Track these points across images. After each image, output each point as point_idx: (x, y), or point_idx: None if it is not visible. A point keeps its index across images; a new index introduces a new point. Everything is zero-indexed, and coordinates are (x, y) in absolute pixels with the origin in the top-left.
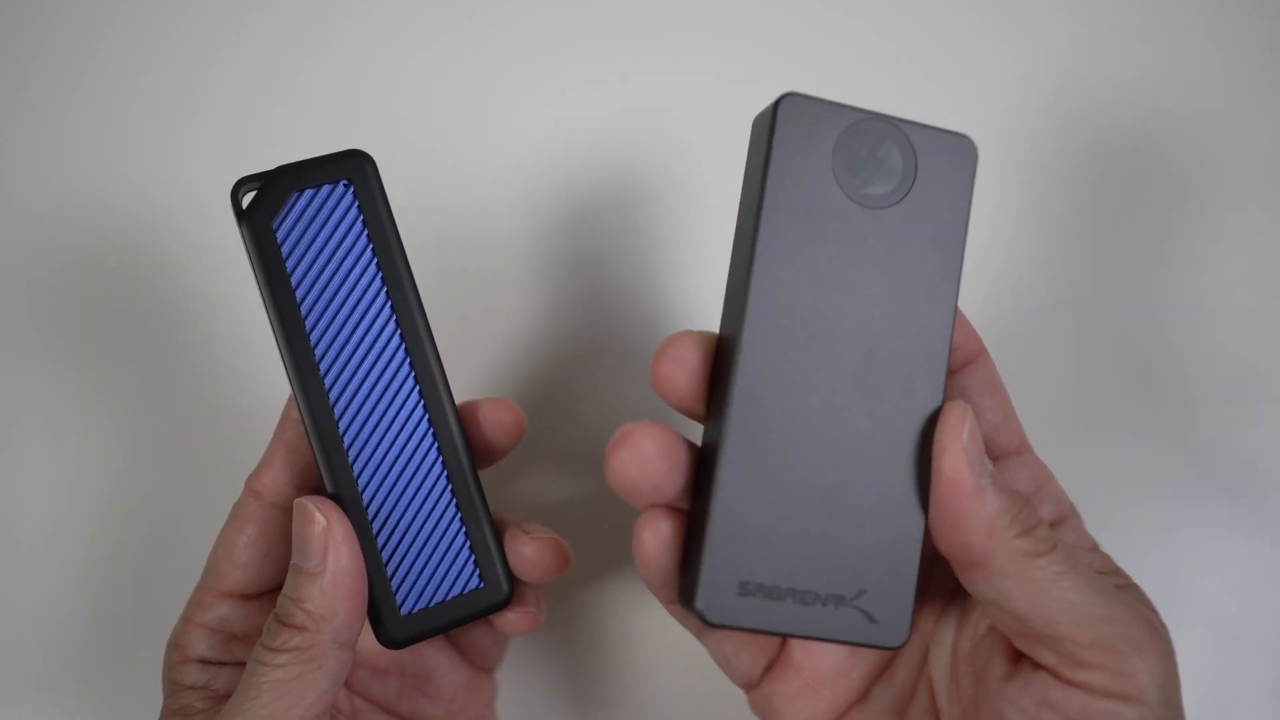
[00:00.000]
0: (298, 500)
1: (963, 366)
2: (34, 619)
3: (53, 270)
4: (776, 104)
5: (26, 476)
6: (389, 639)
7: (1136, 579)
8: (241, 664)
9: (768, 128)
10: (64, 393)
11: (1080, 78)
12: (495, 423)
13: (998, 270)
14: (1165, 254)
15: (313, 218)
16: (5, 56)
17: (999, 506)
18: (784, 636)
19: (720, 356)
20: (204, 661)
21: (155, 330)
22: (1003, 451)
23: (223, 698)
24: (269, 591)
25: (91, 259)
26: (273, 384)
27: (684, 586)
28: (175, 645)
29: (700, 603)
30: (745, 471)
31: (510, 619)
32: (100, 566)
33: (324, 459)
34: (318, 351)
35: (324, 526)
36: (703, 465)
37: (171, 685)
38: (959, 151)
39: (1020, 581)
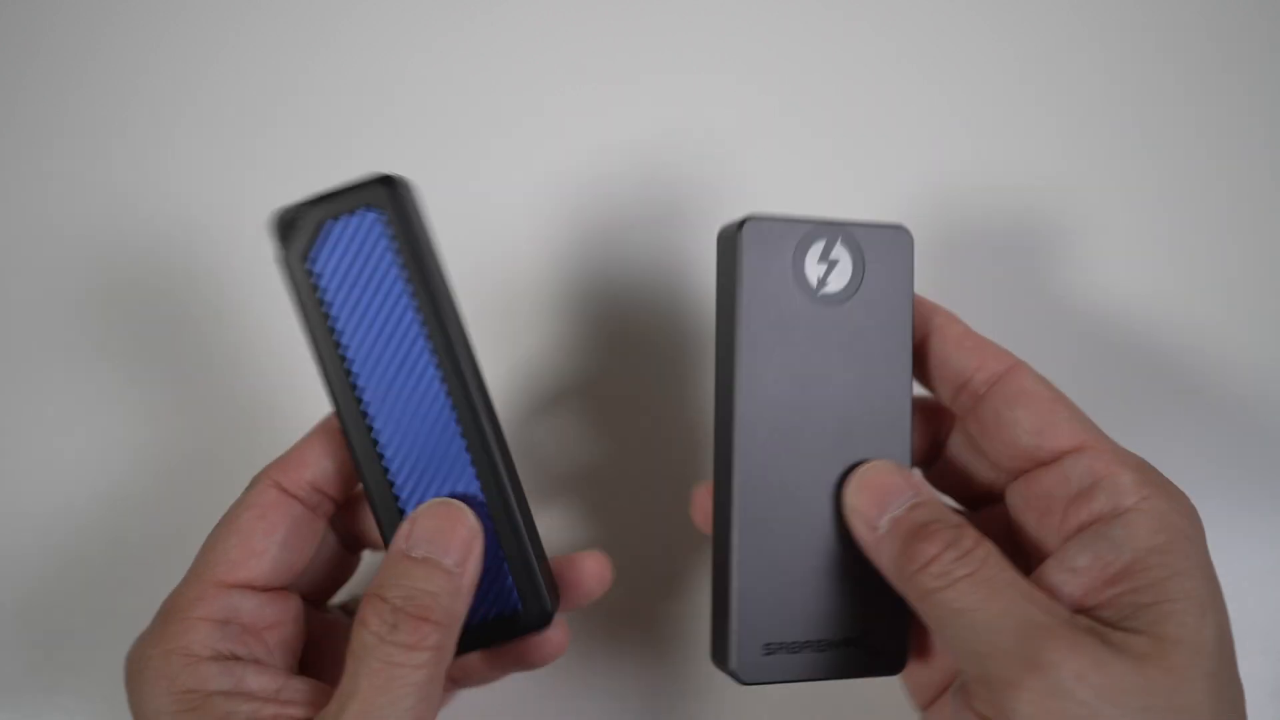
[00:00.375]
0: (442, 499)
1: (989, 388)
2: (34, 619)
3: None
4: (740, 225)
5: (26, 476)
6: None
7: None
8: (262, 663)
9: (733, 246)
10: (64, 392)
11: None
12: (593, 576)
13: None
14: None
15: (346, 247)
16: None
17: (892, 553)
18: (805, 681)
19: (719, 449)
20: (220, 658)
21: (156, 332)
22: (1052, 455)
23: (270, 700)
24: (277, 587)
25: (102, 257)
26: (274, 387)
27: (716, 647)
28: (175, 651)
29: (734, 665)
30: (756, 551)
31: (542, 643)
32: (100, 566)
33: (365, 483)
34: (358, 382)
35: (473, 530)
36: (718, 543)
37: (184, 696)
38: (897, 240)
39: (926, 616)
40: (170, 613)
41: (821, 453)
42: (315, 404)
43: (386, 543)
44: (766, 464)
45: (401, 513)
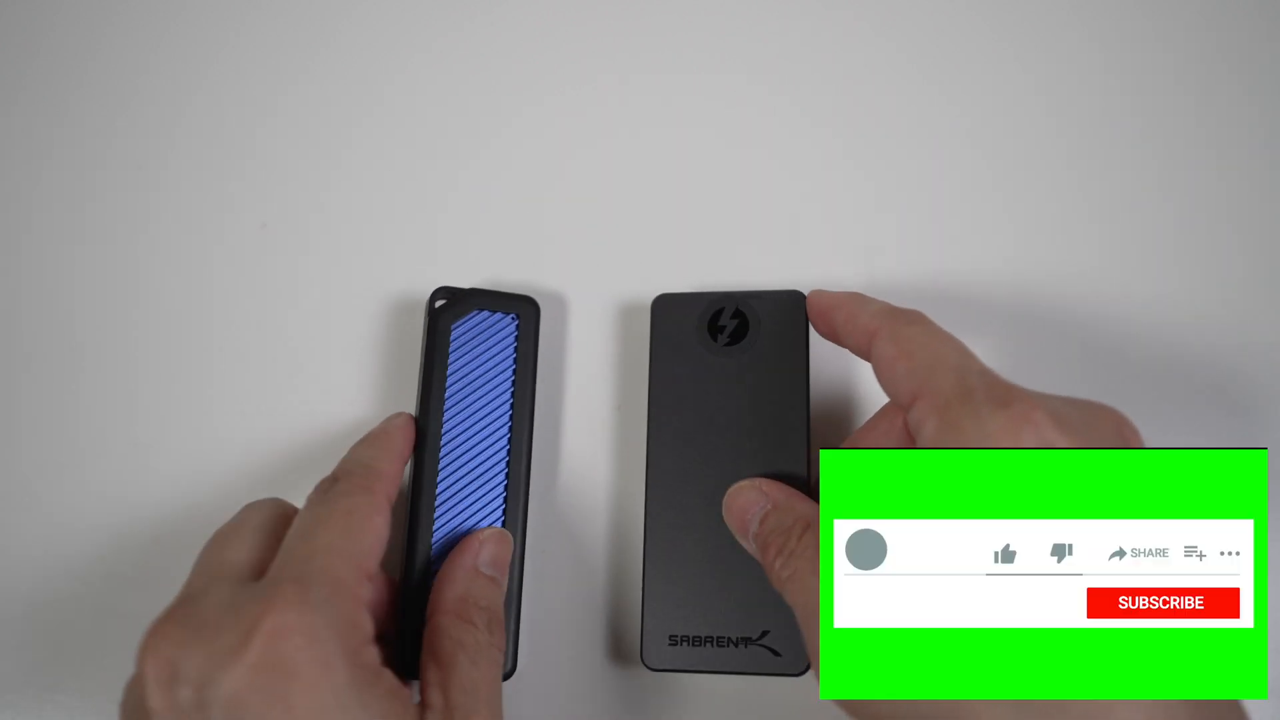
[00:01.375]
0: (499, 530)
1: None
2: (34, 619)
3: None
4: (653, 303)
5: (26, 475)
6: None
7: None
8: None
9: (650, 315)
10: (64, 392)
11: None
12: None
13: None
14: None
15: (481, 330)
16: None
17: (760, 563)
18: (707, 673)
19: (647, 471)
20: (375, 641)
21: (156, 333)
22: (910, 401)
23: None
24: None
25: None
26: (274, 389)
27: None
28: (352, 625)
29: (641, 652)
30: (663, 557)
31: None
32: (100, 566)
33: (413, 502)
34: (445, 427)
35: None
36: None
37: (363, 670)
38: (793, 301)
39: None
40: (336, 589)
41: (725, 470)
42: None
43: (411, 544)
44: (674, 483)
45: (431, 537)
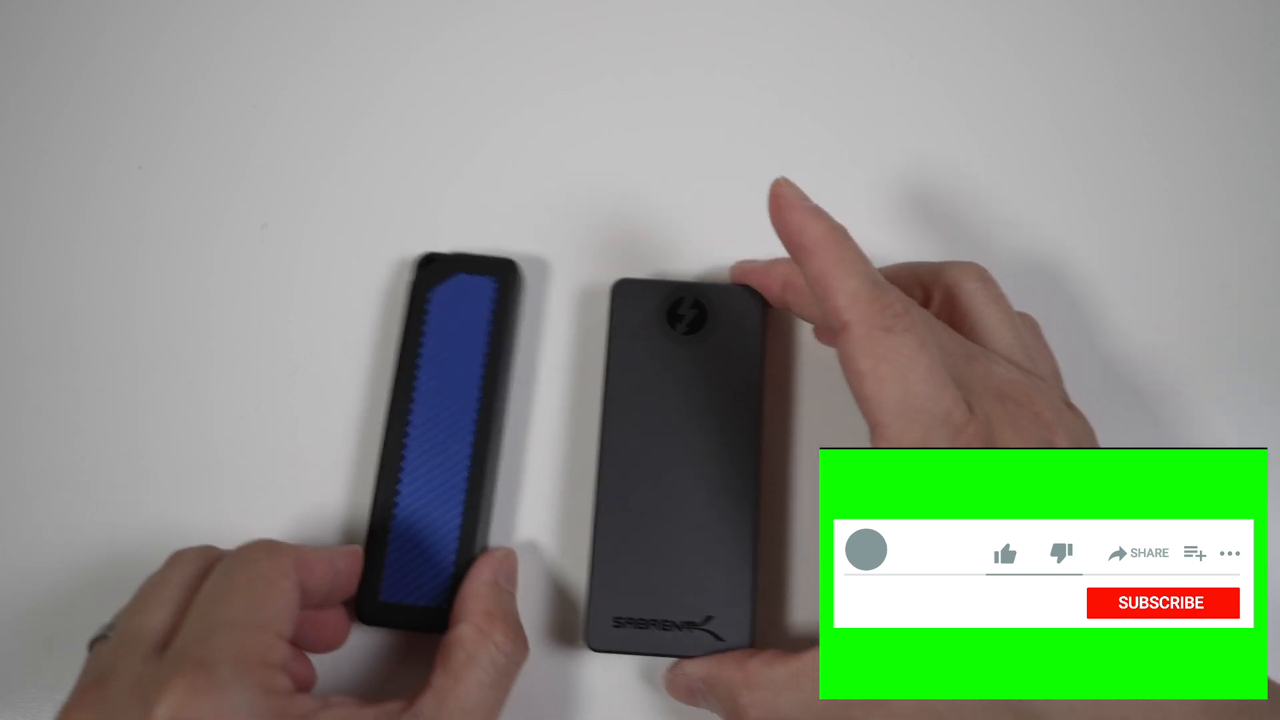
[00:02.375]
0: (510, 550)
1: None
2: (34, 619)
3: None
4: (613, 286)
5: (25, 475)
6: (360, 614)
7: None
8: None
9: (610, 299)
10: (63, 391)
11: None
12: (331, 629)
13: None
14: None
15: (460, 294)
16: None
17: None
18: (650, 655)
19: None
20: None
21: (156, 332)
22: (871, 425)
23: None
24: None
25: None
26: (270, 392)
27: None
28: (265, 661)
29: (587, 635)
30: (612, 539)
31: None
32: (100, 566)
33: (381, 464)
34: (417, 388)
35: None
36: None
37: (274, 698)
38: (751, 297)
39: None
40: (243, 665)
41: (676, 456)
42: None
43: (376, 506)
44: (625, 466)
45: (390, 518)
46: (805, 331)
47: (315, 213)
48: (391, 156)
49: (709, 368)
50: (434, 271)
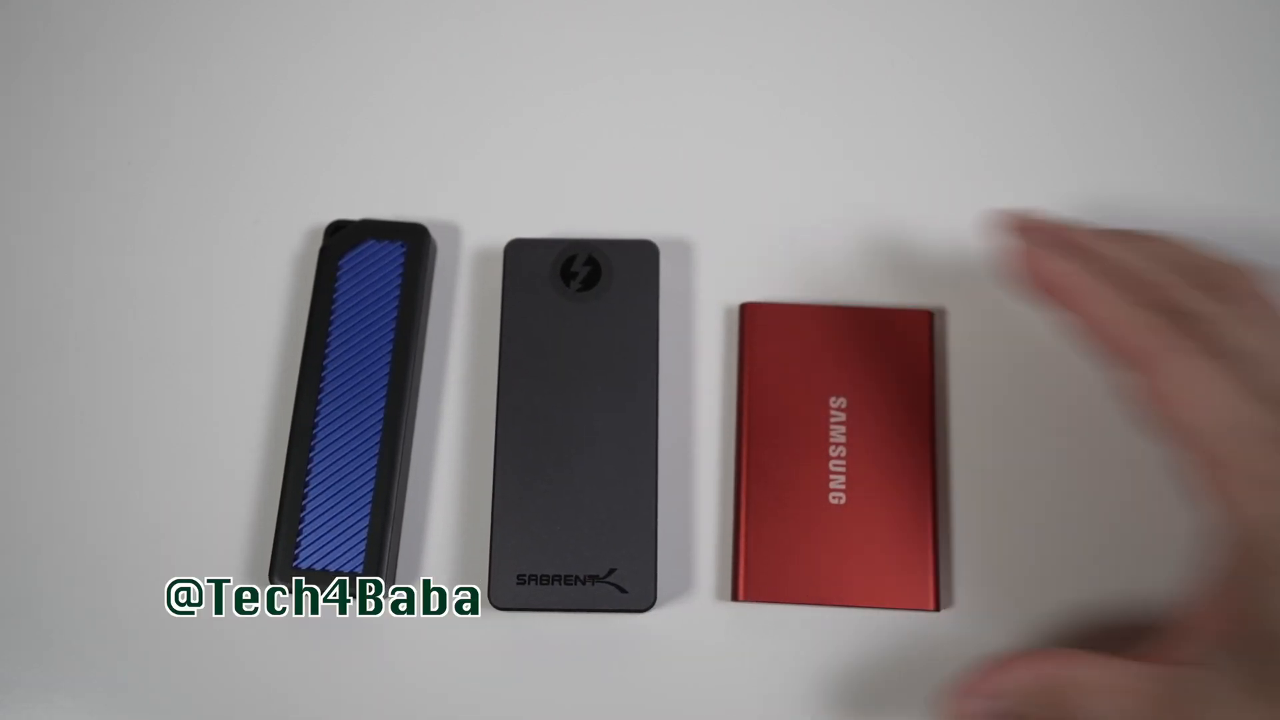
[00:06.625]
0: None
1: None
2: (33, 619)
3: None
4: (506, 246)
5: (20, 474)
6: (273, 576)
7: (1143, 571)
8: None
9: (503, 260)
10: (63, 391)
11: None
12: None
13: None
14: None
15: (369, 261)
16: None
17: None
18: (554, 611)
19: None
20: None
21: (153, 332)
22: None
23: None
24: None
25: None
26: (263, 392)
27: None
28: None
29: (490, 594)
30: (512, 498)
31: None
32: (99, 566)
33: (294, 434)
34: (328, 355)
35: None
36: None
37: None
38: (646, 251)
39: None
40: None
41: (574, 414)
42: None
43: (286, 478)
44: (523, 425)
45: (304, 485)
46: (705, 284)
47: (233, 183)
48: (307, 122)
49: (605, 324)
50: (343, 238)
